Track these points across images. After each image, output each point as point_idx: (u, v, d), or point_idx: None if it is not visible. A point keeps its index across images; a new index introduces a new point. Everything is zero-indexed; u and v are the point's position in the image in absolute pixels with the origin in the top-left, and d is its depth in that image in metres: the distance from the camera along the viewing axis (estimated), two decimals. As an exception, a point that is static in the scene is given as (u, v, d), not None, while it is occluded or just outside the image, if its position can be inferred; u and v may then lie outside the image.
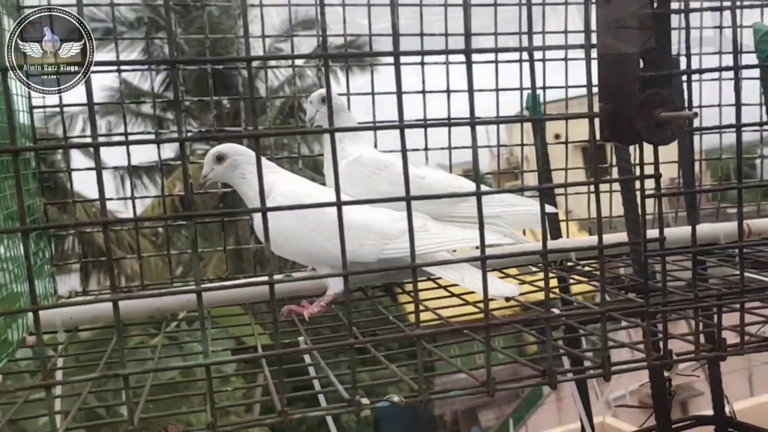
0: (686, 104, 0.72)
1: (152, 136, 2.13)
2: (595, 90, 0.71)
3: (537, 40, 1.68)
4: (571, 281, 1.29)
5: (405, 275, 1.27)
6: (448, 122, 1.52)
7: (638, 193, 0.72)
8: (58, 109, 1.47)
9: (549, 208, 1.36)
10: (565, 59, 1.61)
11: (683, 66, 0.77)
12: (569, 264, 1.38)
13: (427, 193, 1.19)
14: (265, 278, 0.63)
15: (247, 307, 1.34)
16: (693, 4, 0.74)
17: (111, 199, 1.63)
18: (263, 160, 1.25)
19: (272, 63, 1.90)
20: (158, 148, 1.48)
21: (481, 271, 0.67)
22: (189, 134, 1.82)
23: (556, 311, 1.03)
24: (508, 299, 1.08)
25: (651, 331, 0.78)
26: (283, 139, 7.18)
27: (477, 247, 1.17)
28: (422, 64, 1.56)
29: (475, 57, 0.64)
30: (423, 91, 1.56)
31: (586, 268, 1.33)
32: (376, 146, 1.41)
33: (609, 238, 1.33)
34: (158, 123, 4.99)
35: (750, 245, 1.32)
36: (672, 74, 0.64)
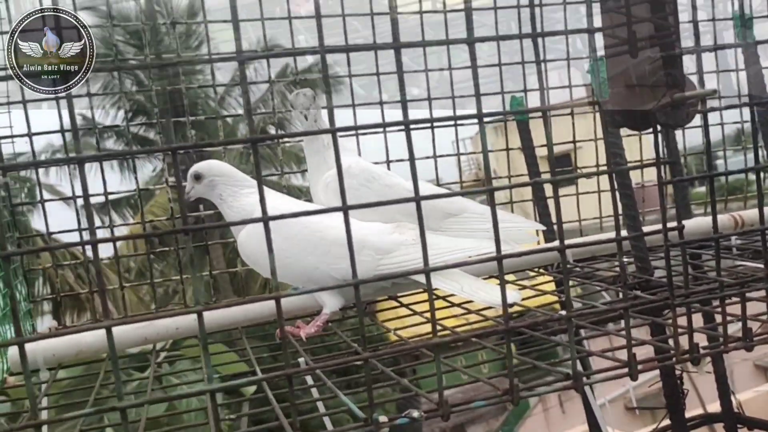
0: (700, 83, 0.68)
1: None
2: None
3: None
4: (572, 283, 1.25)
5: (404, 288, 1.24)
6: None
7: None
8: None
9: (538, 225, 1.34)
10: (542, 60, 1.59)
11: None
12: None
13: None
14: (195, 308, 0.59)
15: (240, 332, 1.28)
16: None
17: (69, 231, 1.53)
18: (247, 179, 1.20)
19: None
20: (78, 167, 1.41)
21: (491, 278, 0.62)
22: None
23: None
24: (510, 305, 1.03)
25: (677, 325, 0.75)
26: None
27: (470, 257, 1.15)
28: (377, 74, 1.53)
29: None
30: (380, 102, 1.53)
31: (586, 269, 1.29)
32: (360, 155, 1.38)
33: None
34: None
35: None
36: (682, 53, 0.60)
